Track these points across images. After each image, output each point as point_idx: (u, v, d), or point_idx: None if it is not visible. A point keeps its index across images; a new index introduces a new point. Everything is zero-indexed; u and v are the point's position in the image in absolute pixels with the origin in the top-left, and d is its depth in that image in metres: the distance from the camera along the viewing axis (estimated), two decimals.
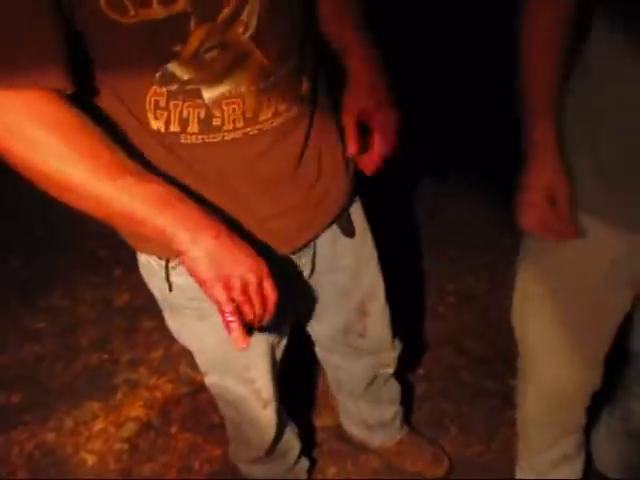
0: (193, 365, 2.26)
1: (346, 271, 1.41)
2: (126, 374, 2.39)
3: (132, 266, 2.49)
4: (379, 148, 1.22)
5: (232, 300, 0.94)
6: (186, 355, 2.31)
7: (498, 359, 2.23)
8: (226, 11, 0.93)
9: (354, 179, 1.28)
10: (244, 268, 0.95)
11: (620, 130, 1.12)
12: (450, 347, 2.38)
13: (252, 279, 0.95)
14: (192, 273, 0.95)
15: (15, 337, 2.55)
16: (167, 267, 1.18)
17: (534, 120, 1.21)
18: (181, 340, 1.40)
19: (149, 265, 1.23)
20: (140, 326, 2.53)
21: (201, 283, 0.95)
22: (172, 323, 1.36)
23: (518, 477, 1.86)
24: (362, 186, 1.33)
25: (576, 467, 1.77)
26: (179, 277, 1.19)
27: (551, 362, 1.49)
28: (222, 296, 0.93)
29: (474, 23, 3.15)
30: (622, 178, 1.16)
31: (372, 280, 1.48)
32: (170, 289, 1.22)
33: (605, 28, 1.08)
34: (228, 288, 0.94)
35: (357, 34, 1.22)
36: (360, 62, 1.22)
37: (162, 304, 1.33)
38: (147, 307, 2.50)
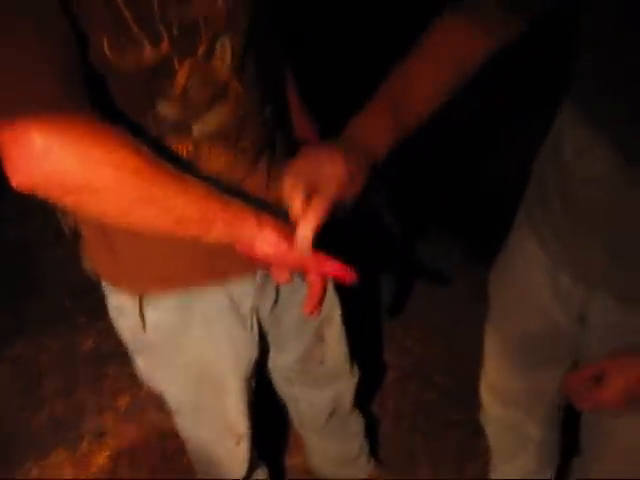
0: (161, 410, 2.26)
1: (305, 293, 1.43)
2: (93, 423, 2.35)
3: (96, 313, 2.47)
4: None
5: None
6: (154, 401, 2.29)
7: (466, 391, 2.24)
8: (202, 47, 0.98)
9: None
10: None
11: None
12: (418, 381, 2.40)
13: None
14: (265, 255, 0.99)
15: None
16: (141, 304, 1.20)
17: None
18: (151, 382, 1.39)
19: (121, 306, 1.24)
20: (106, 373, 2.50)
21: (278, 259, 1.00)
22: (143, 364, 1.35)
23: None
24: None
25: None
26: (152, 313, 1.22)
27: (494, 361, 1.57)
28: (304, 258, 1.00)
29: None
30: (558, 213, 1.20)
31: (329, 305, 1.50)
32: (144, 326, 1.23)
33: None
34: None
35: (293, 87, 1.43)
36: (294, 103, 1.43)
37: (133, 345, 1.33)
38: (113, 354, 2.47)
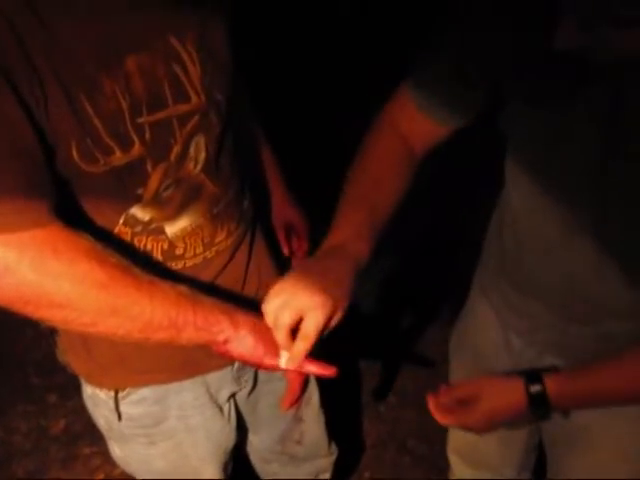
0: None
1: (282, 380, 1.43)
2: None
3: (67, 392, 2.44)
4: (303, 244, 1.54)
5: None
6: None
7: (441, 454, 2.25)
8: (176, 149, 0.99)
9: None
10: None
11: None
12: (392, 447, 2.40)
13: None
14: (241, 357, 0.99)
15: None
16: (116, 397, 1.20)
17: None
18: (128, 468, 1.39)
19: (96, 397, 1.24)
20: (79, 453, 2.46)
21: (255, 361, 1.00)
22: (119, 452, 1.35)
23: None
24: None
25: None
26: (128, 407, 1.22)
27: None
28: (283, 362, 0.99)
29: None
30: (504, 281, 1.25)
31: (306, 386, 1.51)
32: (120, 418, 1.23)
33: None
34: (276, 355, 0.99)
35: (276, 172, 1.49)
36: (277, 188, 1.49)
37: (108, 434, 1.33)
38: (85, 433, 2.44)
